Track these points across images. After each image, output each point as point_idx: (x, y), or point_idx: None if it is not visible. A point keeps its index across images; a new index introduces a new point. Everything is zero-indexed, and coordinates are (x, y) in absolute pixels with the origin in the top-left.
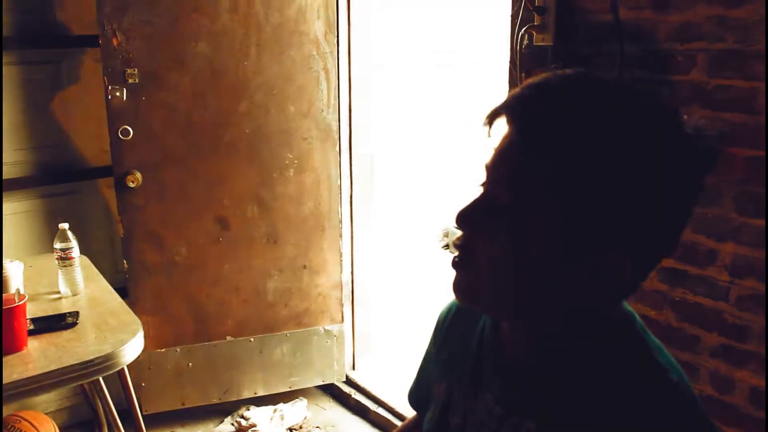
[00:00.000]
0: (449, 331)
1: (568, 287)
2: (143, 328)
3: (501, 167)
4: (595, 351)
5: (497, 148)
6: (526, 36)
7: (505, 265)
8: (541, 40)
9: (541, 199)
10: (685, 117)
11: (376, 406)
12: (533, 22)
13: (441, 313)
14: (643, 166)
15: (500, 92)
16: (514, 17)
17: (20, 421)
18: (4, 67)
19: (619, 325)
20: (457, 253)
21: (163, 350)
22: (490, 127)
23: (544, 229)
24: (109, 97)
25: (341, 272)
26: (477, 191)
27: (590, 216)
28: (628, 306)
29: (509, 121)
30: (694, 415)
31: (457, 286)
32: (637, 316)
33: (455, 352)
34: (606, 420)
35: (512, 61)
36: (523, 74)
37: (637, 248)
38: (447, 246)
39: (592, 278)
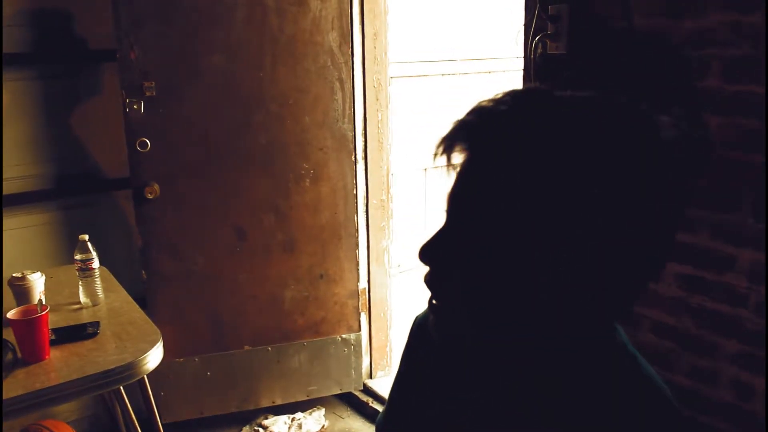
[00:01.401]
0: (421, 338)
1: (547, 314)
2: (162, 337)
3: (458, 195)
4: (584, 382)
5: (456, 175)
6: (540, 44)
7: (475, 295)
8: (555, 49)
9: (498, 224)
10: (663, 120)
11: None
12: (547, 30)
13: (415, 321)
14: (599, 189)
15: None
16: (527, 26)
17: (42, 430)
18: (24, 82)
19: (608, 356)
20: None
21: (181, 360)
22: (448, 156)
23: (506, 253)
24: (127, 109)
25: (358, 281)
26: (440, 221)
27: (547, 237)
28: (623, 333)
29: (462, 148)
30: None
31: (436, 329)
32: (629, 345)
33: (434, 363)
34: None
35: (526, 70)
36: (537, 83)
37: (597, 271)
38: None
39: (561, 300)
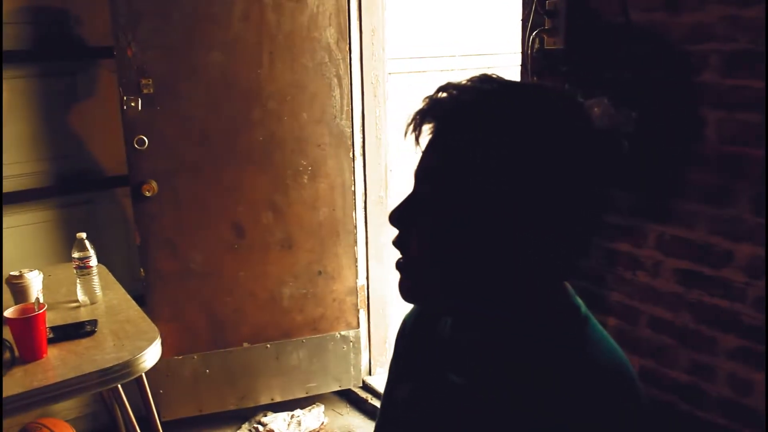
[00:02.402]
0: (412, 335)
1: (497, 268)
2: (161, 335)
3: (424, 164)
4: (533, 343)
5: (423, 151)
6: (537, 40)
7: (435, 253)
8: (552, 44)
9: (458, 186)
10: (595, 110)
11: None
12: (544, 25)
13: (405, 318)
14: (550, 157)
15: None
16: (524, 21)
17: (42, 428)
18: (22, 79)
19: (558, 316)
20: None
21: (180, 357)
22: (417, 134)
23: (464, 215)
24: (125, 107)
25: (356, 278)
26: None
27: (503, 200)
28: (580, 300)
29: (429, 123)
30: (620, 400)
31: (401, 286)
32: (582, 308)
33: (418, 355)
34: (539, 409)
35: (524, 65)
36: (535, 78)
37: (549, 227)
38: None
39: (516, 257)
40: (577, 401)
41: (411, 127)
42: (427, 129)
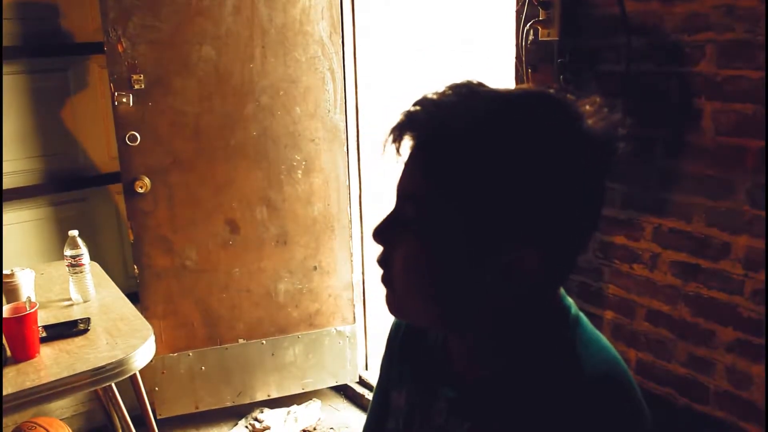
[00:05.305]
0: (404, 342)
1: (484, 290)
2: (155, 332)
3: (404, 182)
4: (525, 352)
5: (404, 165)
6: (531, 31)
7: (419, 275)
8: (547, 35)
9: (440, 208)
10: (587, 108)
11: None
12: (538, 17)
13: (393, 326)
14: (534, 171)
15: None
16: (518, 12)
17: (36, 428)
18: (12, 76)
19: (549, 321)
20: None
21: (175, 354)
22: (397, 145)
23: (448, 237)
24: (116, 103)
25: (352, 272)
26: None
27: (488, 220)
28: (570, 299)
29: (408, 137)
30: (616, 407)
31: (389, 302)
32: (573, 309)
33: (411, 364)
34: (533, 421)
35: (518, 57)
36: (529, 70)
37: (540, 245)
38: None
39: (504, 278)
40: (568, 407)
41: (390, 141)
42: (407, 142)
